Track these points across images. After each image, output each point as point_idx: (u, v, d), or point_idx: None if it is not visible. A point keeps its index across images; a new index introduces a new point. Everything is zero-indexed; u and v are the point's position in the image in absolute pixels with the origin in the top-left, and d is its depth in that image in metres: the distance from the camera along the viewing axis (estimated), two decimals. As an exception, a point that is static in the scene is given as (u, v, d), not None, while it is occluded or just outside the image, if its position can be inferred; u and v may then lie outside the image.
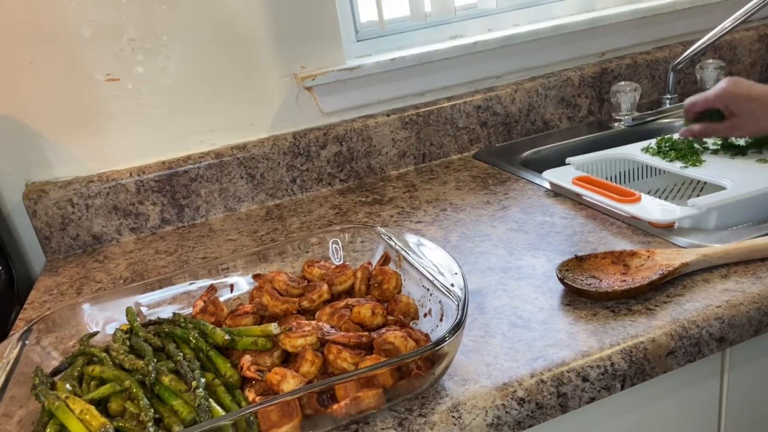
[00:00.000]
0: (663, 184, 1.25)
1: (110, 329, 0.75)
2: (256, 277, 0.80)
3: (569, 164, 1.15)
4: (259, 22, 1.17)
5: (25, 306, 0.97)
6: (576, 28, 1.37)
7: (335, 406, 0.58)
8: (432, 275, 0.71)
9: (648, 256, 0.78)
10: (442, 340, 0.58)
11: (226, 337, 0.67)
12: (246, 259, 0.82)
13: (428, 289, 0.72)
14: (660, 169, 1.19)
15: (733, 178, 0.99)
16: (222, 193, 1.20)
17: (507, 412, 0.61)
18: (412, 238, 0.79)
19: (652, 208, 0.92)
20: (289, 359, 0.66)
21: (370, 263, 0.81)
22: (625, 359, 0.65)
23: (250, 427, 0.55)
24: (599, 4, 1.47)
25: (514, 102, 1.36)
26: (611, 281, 0.75)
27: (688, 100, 1.04)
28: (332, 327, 0.68)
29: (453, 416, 0.60)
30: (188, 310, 0.78)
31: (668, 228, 0.90)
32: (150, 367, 0.62)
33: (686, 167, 1.07)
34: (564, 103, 1.41)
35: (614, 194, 0.96)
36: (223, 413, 0.58)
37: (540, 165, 1.25)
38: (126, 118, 1.14)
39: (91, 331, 0.74)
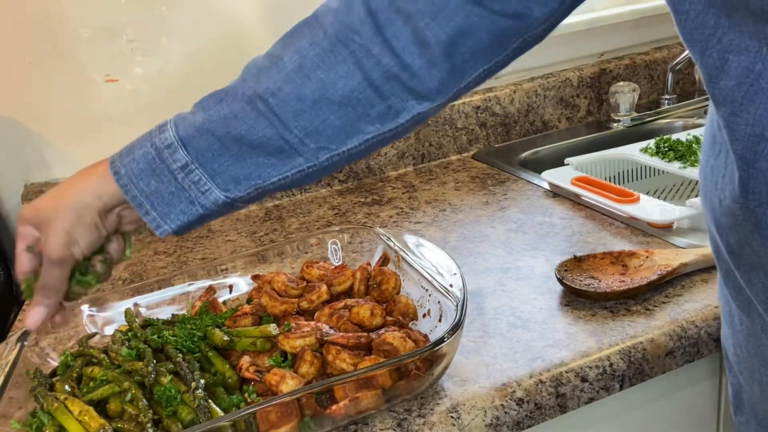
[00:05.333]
0: (662, 184, 1.25)
1: (109, 330, 0.75)
2: (255, 277, 0.80)
3: (568, 165, 1.15)
4: (258, 23, 1.17)
5: (23, 307, 0.97)
6: (575, 29, 1.37)
7: (334, 407, 0.58)
8: (431, 276, 0.71)
9: (647, 257, 0.78)
10: (440, 340, 0.58)
11: (225, 338, 0.67)
12: (245, 260, 0.82)
13: (427, 290, 0.72)
14: (659, 170, 1.19)
15: (731, 178, 0.99)
16: (221, 193, 1.20)
17: (506, 413, 0.61)
18: (411, 239, 0.79)
19: (650, 209, 0.92)
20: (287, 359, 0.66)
21: (369, 264, 0.81)
22: (624, 359, 0.65)
23: (249, 428, 0.55)
24: (598, 4, 1.47)
25: (513, 102, 1.36)
26: (610, 282, 0.75)
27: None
28: (331, 328, 0.68)
29: (452, 417, 0.60)
30: (187, 311, 0.78)
31: (667, 228, 0.90)
32: (149, 368, 0.62)
33: (685, 167, 1.07)
34: (563, 103, 1.42)
35: (613, 194, 0.96)
36: (222, 414, 0.58)
37: (539, 165, 1.25)
38: (125, 119, 1.14)
39: (90, 332, 0.74)
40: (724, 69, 0.42)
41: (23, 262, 0.60)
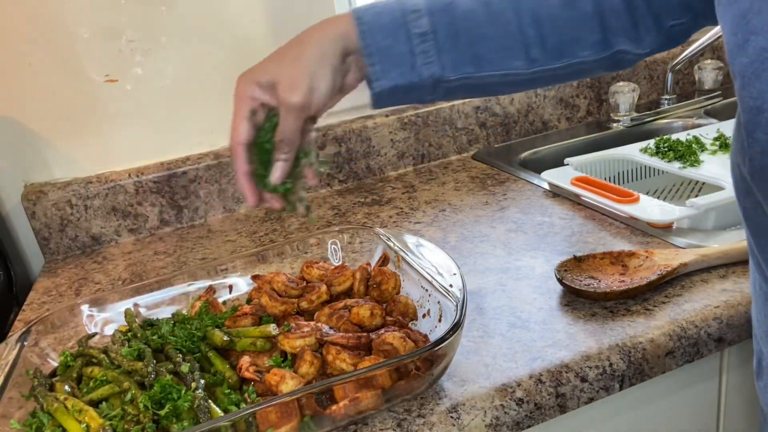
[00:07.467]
0: (661, 184, 1.25)
1: (109, 330, 0.75)
2: (254, 278, 0.80)
3: (568, 165, 1.15)
4: (258, 23, 1.17)
5: (23, 307, 0.97)
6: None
7: (334, 407, 0.58)
8: (431, 276, 0.71)
9: (646, 257, 0.78)
10: (440, 340, 0.58)
11: (225, 338, 0.67)
12: (245, 260, 0.82)
13: (427, 290, 0.72)
14: (658, 170, 1.19)
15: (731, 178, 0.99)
16: (221, 193, 1.20)
17: (506, 413, 0.61)
18: (410, 239, 0.79)
19: (650, 209, 0.92)
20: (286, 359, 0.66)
21: (368, 264, 0.81)
22: (624, 360, 0.65)
23: (249, 428, 0.55)
24: (598, 4, 1.47)
25: (512, 103, 1.36)
26: (610, 282, 0.75)
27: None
28: (331, 328, 0.68)
29: (452, 417, 0.60)
30: (187, 311, 0.78)
31: (667, 228, 0.90)
32: (149, 368, 0.62)
33: (684, 167, 1.07)
34: (563, 103, 1.42)
35: (613, 195, 0.97)
36: (222, 414, 0.58)
37: (539, 165, 1.25)
38: (125, 119, 1.14)
39: (90, 333, 0.74)
40: (744, 47, 0.46)
41: (241, 132, 0.59)
